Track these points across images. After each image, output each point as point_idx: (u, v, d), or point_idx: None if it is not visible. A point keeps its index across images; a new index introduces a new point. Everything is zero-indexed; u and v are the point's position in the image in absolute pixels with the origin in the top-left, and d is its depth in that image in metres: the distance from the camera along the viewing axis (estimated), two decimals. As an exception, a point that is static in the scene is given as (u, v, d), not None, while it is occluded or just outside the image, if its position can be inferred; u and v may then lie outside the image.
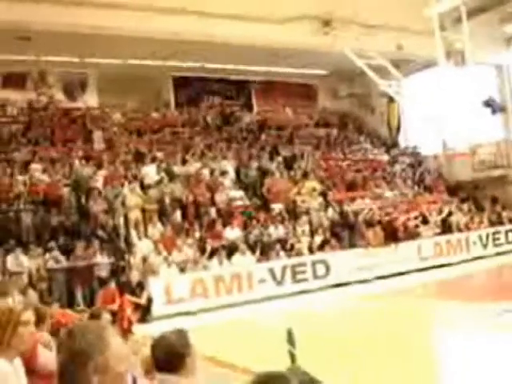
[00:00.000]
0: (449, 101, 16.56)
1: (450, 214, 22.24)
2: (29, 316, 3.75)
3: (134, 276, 14.70)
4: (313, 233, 19.51)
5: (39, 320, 4.75)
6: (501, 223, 22.85)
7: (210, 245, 17.38)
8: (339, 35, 19.19)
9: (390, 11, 18.23)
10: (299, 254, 18.24)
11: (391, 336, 10.05)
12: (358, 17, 18.93)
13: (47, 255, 15.35)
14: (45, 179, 18.15)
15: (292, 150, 25.19)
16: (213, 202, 19.75)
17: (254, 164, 22.66)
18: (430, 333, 10.47)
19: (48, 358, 4.17)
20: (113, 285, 14.13)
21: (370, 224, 20.38)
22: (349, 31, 19.03)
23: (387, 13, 18.38)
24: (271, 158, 23.71)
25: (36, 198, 17.35)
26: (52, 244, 15.70)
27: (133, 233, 17.44)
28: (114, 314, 10.12)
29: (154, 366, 3.31)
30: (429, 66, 22.15)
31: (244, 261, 17.11)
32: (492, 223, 22.70)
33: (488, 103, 16.46)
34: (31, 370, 3.95)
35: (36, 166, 18.61)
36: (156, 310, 14.65)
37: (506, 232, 22.23)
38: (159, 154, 21.44)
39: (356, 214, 20.89)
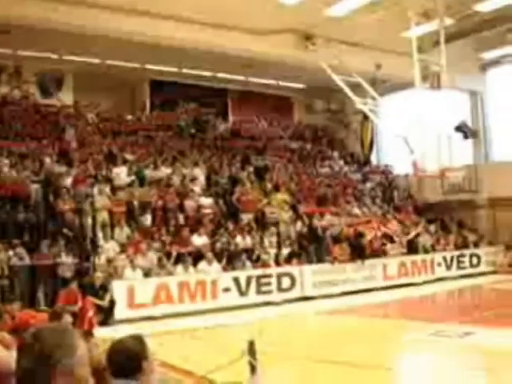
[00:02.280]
0: (422, 123, 16.74)
1: (417, 235, 22.45)
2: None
3: (98, 278, 14.55)
4: (280, 245, 19.53)
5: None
6: (466, 246, 23.16)
7: (176, 251, 17.30)
8: (319, 50, 19.33)
9: (370, 31, 18.44)
10: (265, 265, 18.22)
11: (351, 352, 10.07)
12: (338, 34, 19.11)
13: (11, 252, 15.06)
14: (13, 174, 17.88)
15: (264, 161, 25.23)
16: (181, 208, 19.67)
17: (225, 172, 22.63)
18: (389, 352, 10.51)
19: (5, 358, 4.09)
20: (75, 285, 13.92)
21: (337, 240, 20.48)
22: (329, 47, 19.19)
23: (367, 32, 18.58)
24: (243, 168, 23.71)
25: (2, 193, 17.08)
26: (16, 241, 15.43)
27: (99, 234, 17.29)
28: (74, 315, 10.00)
29: (110, 370, 3.27)
30: (405, 86, 22.39)
31: (210, 269, 17.04)
32: (457, 246, 22.99)
33: (460, 128, 16.68)
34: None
35: (5, 161, 18.34)
36: (118, 313, 14.49)
37: (471, 255, 22.55)
38: (131, 157, 21.29)
39: (324, 228, 20.96)
